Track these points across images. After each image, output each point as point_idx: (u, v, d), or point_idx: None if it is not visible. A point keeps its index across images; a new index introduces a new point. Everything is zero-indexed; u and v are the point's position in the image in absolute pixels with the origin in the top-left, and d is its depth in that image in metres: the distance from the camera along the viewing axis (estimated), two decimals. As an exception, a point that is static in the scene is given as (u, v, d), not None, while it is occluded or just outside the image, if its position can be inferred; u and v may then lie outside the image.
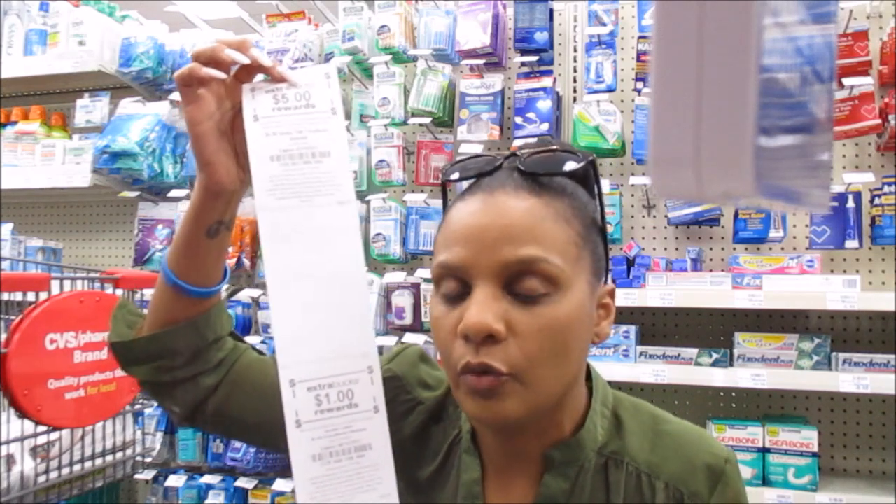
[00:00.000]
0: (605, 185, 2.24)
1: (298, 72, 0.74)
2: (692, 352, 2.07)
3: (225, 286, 0.83)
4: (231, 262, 2.52)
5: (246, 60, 0.73)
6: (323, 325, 0.68)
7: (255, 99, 0.72)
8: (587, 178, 0.74)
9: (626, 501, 0.72)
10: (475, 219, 0.67)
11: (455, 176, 0.74)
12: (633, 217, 2.38)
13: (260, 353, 0.89)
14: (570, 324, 0.66)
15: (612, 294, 0.75)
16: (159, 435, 2.60)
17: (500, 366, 0.64)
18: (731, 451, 0.76)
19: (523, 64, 2.37)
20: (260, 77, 0.75)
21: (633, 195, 2.38)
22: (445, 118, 2.44)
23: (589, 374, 0.79)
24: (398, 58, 2.47)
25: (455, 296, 0.67)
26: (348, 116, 2.60)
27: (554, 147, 0.72)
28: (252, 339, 2.37)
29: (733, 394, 2.26)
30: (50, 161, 2.72)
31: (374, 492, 0.67)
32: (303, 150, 0.71)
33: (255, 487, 2.51)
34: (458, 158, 0.76)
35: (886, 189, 2.04)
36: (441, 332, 0.68)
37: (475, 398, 0.66)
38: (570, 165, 0.70)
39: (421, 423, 0.81)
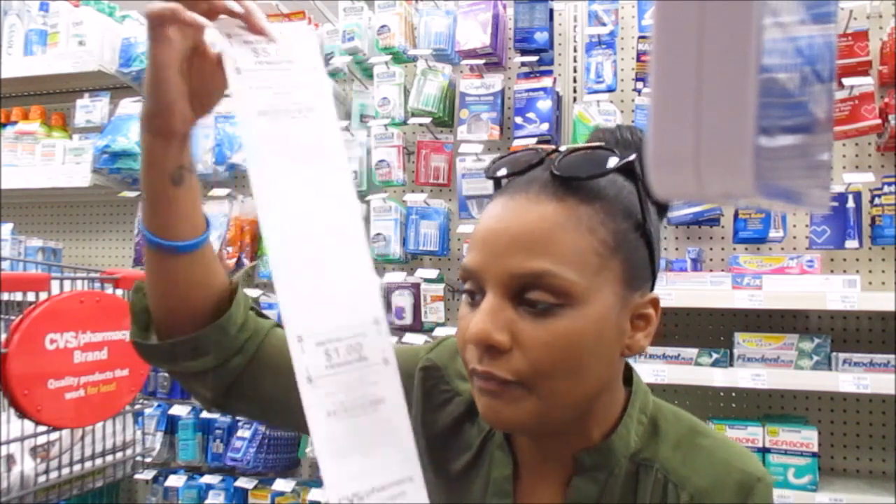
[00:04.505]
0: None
1: (276, 26, 0.71)
2: (692, 352, 2.07)
3: (212, 237, 0.78)
4: (231, 263, 2.52)
5: (240, 9, 0.69)
6: (324, 279, 0.67)
7: (234, 49, 0.68)
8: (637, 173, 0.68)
9: None
10: (492, 223, 0.65)
11: (493, 173, 0.71)
12: (633, 217, 2.38)
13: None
14: (584, 338, 0.63)
15: (655, 304, 0.69)
16: (159, 435, 2.61)
17: (503, 374, 0.63)
18: (768, 472, 0.72)
19: (523, 64, 2.37)
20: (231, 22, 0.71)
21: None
22: (445, 118, 2.44)
23: (630, 380, 0.77)
24: (398, 58, 2.47)
25: (475, 298, 0.67)
26: (348, 116, 2.60)
27: (598, 144, 0.68)
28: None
29: (733, 394, 2.26)
30: (50, 161, 2.72)
31: (392, 446, 0.65)
32: (288, 106, 0.68)
33: (255, 487, 2.51)
34: (508, 153, 0.73)
35: (886, 189, 2.04)
36: (459, 331, 0.68)
37: (484, 397, 0.65)
38: (605, 164, 0.65)
39: (458, 415, 0.80)
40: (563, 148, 0.69)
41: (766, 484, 0.70)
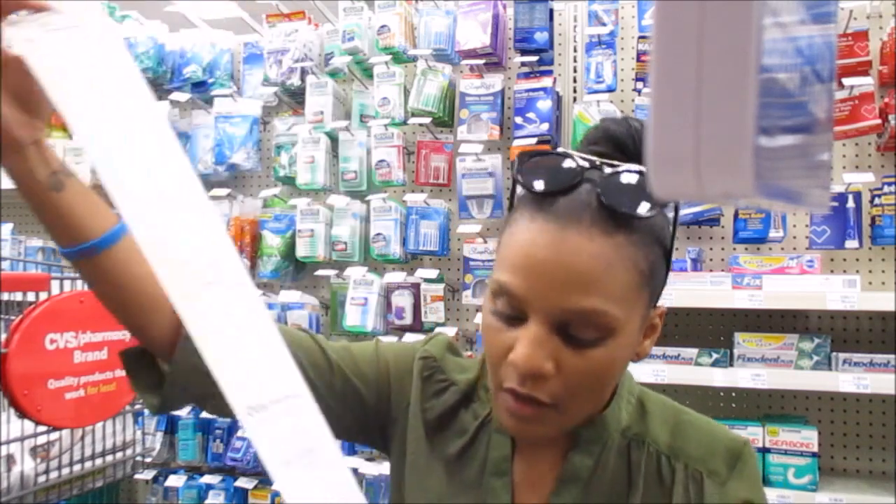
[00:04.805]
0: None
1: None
2: (692, 352, 2.07)
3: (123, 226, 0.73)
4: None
5: None
6: (172, 217, 0.64)
7: (20, 28, 0.65)
8: None
9: (646, 481, 0.75)
10: (542, 252, 0.65)
11: (532, 185, 0.69)
12: (633, 217, 2.38)
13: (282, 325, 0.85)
14: (616, 364, 0.69)
15: (662, 315, 0.75)
16: (159, 435, 2.61)
17: (544, 398, 0.67)
18: (748, 439, 0.80)
19: (523, 64, 2.37)
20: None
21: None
22: (445, 118, 2.44)
23: None
24: (398, 58, 2.47)
25: (508, 315, 0.68)
26: (348, 116, 2.60)
27: (641, 168, 0.67)
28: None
29: (733, 394, 2.26)
30: (50, 161, 2.72)
31: (273, 362, 0.64)
32: (87, 66, 0.65)
33: (255, 487, 2.51)
34: (532, 153, 0.71)
35: (886, 189, 2.04)
36: (491, 345, 0.70)
37: (512, 418, 0.69)
38: (650, 205, 0.66)
39: (454, 402, 0.84)
40: (598, 163, 0.68)
41: (751, 447, 0.78)
